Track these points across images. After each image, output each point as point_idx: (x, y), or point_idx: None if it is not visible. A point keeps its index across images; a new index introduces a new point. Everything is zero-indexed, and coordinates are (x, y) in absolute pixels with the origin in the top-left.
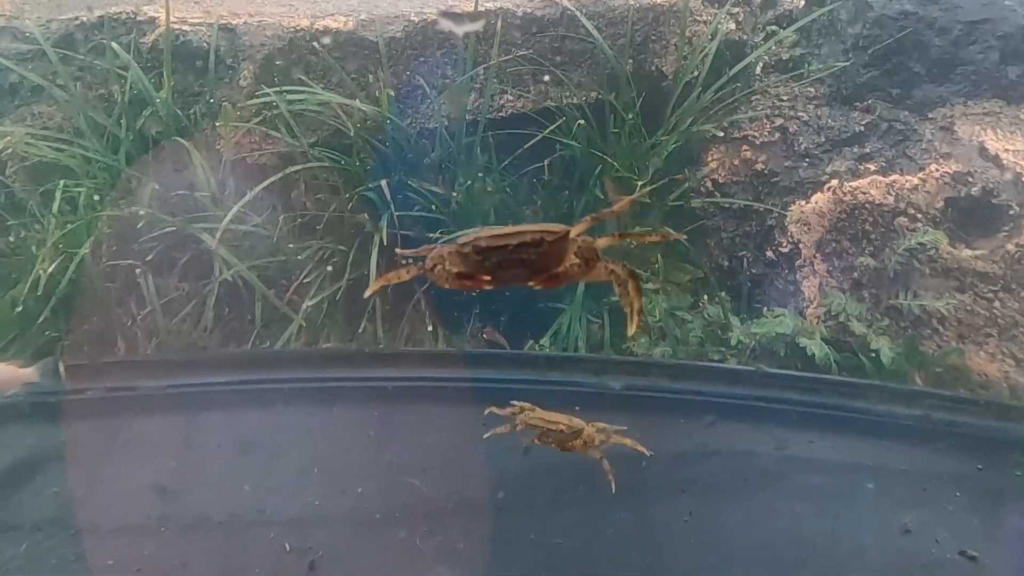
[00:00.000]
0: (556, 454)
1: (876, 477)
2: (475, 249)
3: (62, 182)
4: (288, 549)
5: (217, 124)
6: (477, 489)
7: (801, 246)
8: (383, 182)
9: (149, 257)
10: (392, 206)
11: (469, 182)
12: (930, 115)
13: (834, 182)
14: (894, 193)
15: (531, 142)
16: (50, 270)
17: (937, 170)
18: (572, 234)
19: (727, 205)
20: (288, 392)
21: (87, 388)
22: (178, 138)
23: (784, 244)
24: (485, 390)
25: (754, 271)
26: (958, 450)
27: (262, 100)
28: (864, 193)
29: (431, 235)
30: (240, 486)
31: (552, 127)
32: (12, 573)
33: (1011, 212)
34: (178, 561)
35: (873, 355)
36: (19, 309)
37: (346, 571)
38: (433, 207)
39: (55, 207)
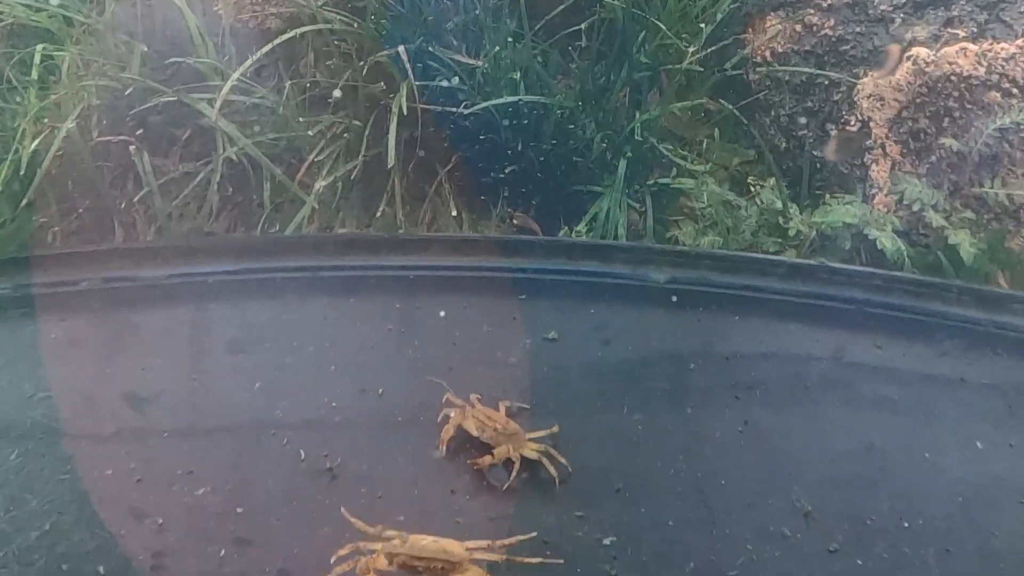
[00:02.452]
0: (593, 354)
1: (952, 390)
2: None
3: (41, 46)
4: (303, 456)
5: None
6: (507, 390)
7: (872, 124)
8: (401, 48)
9: (140, 131)
10: (411, 76)
11: (496, 49)
12: None
13: (915, 51)
14: (985, 64)
15: (565, 4)
16: (33, 147)
17: None
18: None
19: (787, 77)
20: (301, 282)
21: (82, 279)
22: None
23: (852, 122)
24: (516, 280)
25: (816, 153)
26: None
27: None
28: (950, 64)
29: (453, 109)
30: (250, 386)
31: None
32: (4, 481)
33: None
34: (183, 469)
35: (951, 251)
36: (13, 189)
37: (367, 479)
38: (456, 78)
39: (33, 73)
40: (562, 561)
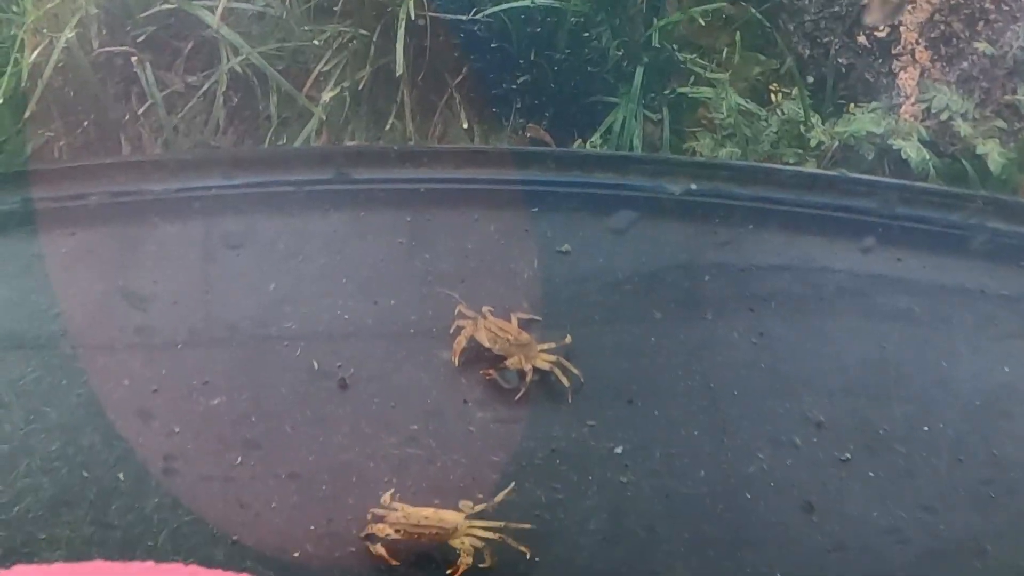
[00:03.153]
0: (606, 267)
1: (973, 302)
2: None
3: None
4: (317, 367)
5: None
6: (520, 302)
7: (902, 29)
8: None
9: (141, 41)
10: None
11: None
12: None
13: None
14: None
15: None
16: (32, 58)
17: None
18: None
19: None
20: (311, 194)
21: (90, 193)
22: None
23: (880, 28)
24: (528, 193)
25: (841, 60)
26: None
27: None
28: None
29: (462, 16)
30: (262, 298)
31: None
32: (24, 393)
33: None
34: (198, 380)
35: (979, 161)
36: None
37: (380, 390)
38: None
39: None
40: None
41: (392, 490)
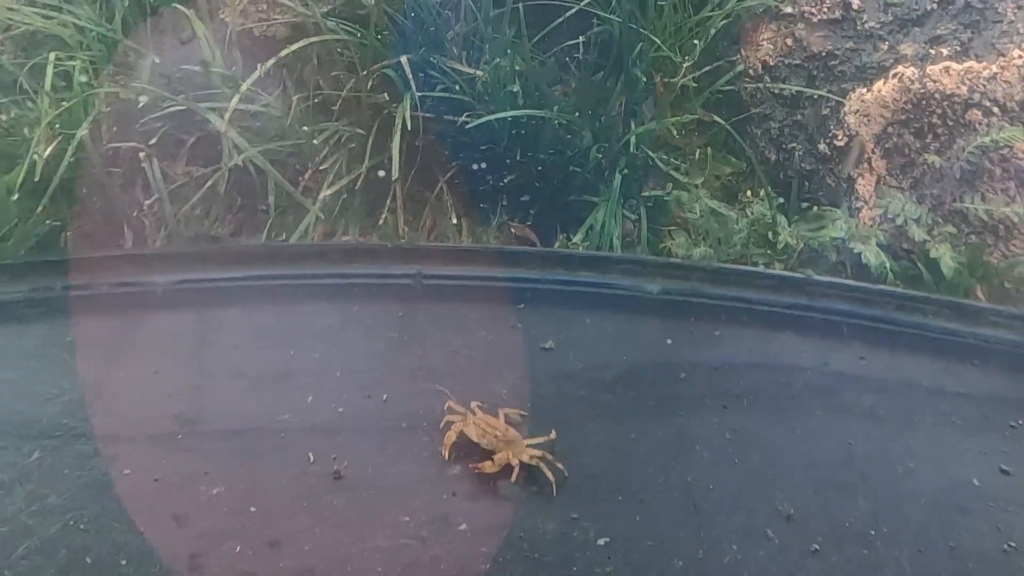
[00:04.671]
0: (588, 364)
1: (932, 399)
2: None
3: (53, 55)
4: (312, 459)
5: None
6: (507, 397)
7: (859, 139)
8: (404, 59)
9: (153, 140)
10: (413, 86)
11: (496, 60)
12: None
13: (901, 68)
14: (968, 83)
15: (565, 15)
16: (47, 153)
17: (1019, 57)
18: None
19: (777, 91)
20: (307, 288)
21: (93, 283)
22: (178, 5)
23: (840, 137)
24: (514, 290)
25: (805, 166)
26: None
27: None
28: (934, 82)
29: (455, 119)
30: (259, 390)
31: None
32: (26, 476)
33: None
34: (198, 469)
35: (932, 265)
36: (15, 198)
37: (373, 481)
38: (457, 87)
39: (47, 83)
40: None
41: None
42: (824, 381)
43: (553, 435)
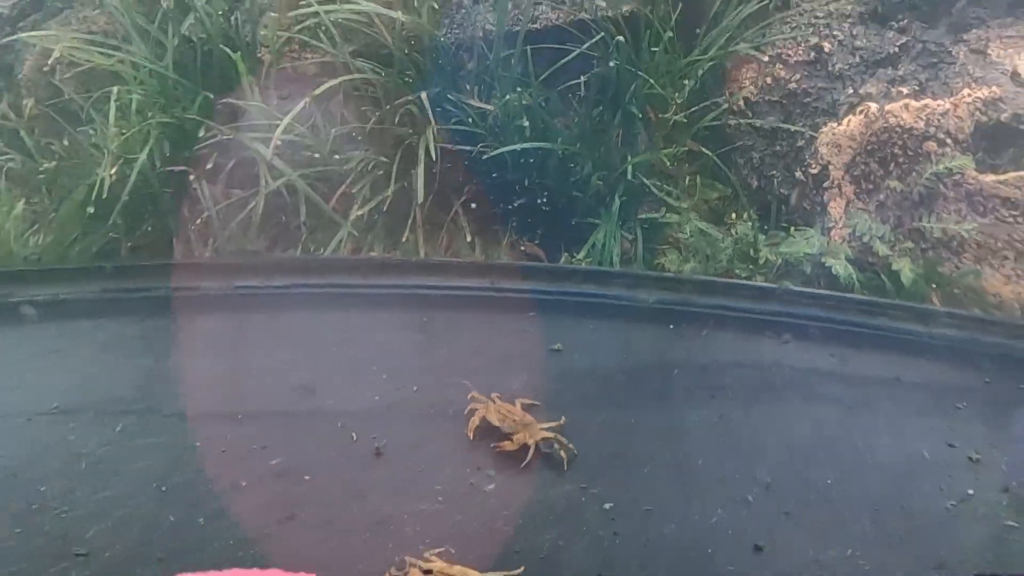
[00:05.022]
0: (592, 362)
1: (892, 388)
2: None
3: (116, 88)
4: (355, 438)
5: (261, 31)
6: (521, 390)
7: (830, 168)
8: (423, 95)
9: (209, 165)
10: (432, 120)
11: (506, 96)
12: (964, 37)
13: (866, 105)
14: (924, 118)
15: (567, 57)
16: (112, 173)
17: (969, 95)
18: None
19: (759, 125)
20: (341, 297)
21: (153, 287)
22: (223, 46)
23: (813, 165)
24: (525, 300)
25: (783, 191)
26: (968, 365)
27: (303, 11)
28: (895, 117)
29: (470, 149)
30: (306, 380)
31: (590, 42)
32: (113, 451)
33: None
34: (258, 445)
35: (894, 276)
36: (91, 211)
37: (408, 457)
38: (470, 120)
39: (111, 113)
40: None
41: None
42: (798, 374)
43: (563, 420)
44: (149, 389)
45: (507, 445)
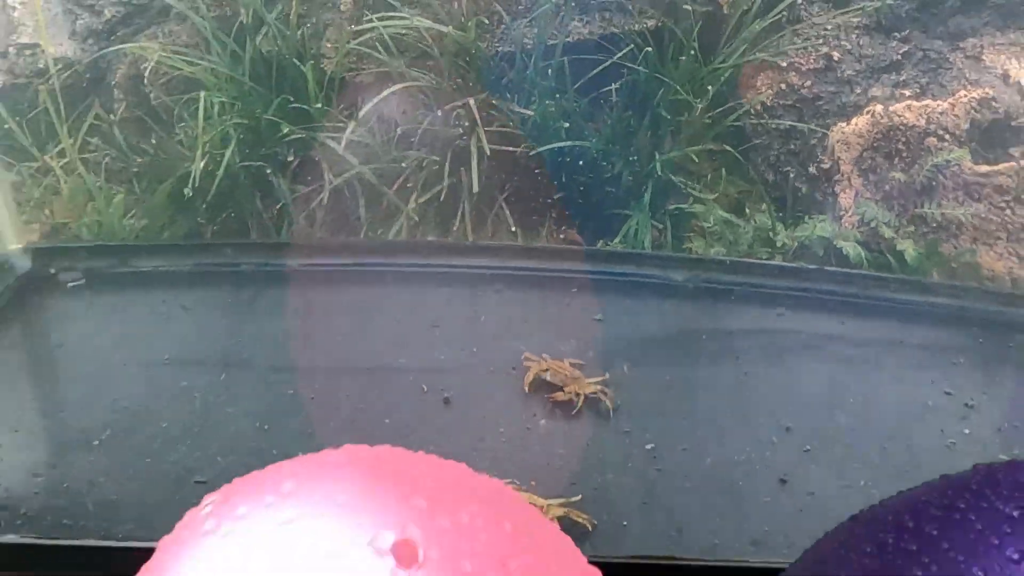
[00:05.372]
0: (630, 330)
1: (896, 348)
2: None
3: (203, 93)
4: (425, 390)
5: (325, 44)
6: (568, 352)
7: (840, 163)
8: (471, 100)
9: (282, 161)
10: (479, 122)
11: (546, 102)
12: (961, 45)
13: (873, 106)
14: (925, 116)
15: (600, 67)
16: (201, 166)
17: (965, 96)
18: None
19: (775, 126)
20: (403, 274)
21: (239, 262)
22: (291, 58)
23: (825, 161)
24: (568, 279)
25: (798, 185)
26: (965, 328)
27: (365, 27)
28: (899, 116)
29: (513, 149)
30: (377, 343)
31: (620, 54)
32: (216, 399)
33: None
34: (343, 394)
35: (898, 255)
36: (187, 194)
37: (473, 406)
38: (511, 124)
39: (200, 113)
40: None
41: None
42: (812, 339)
43: (607, 376)
44: (245, 346)
45: (559, 396)
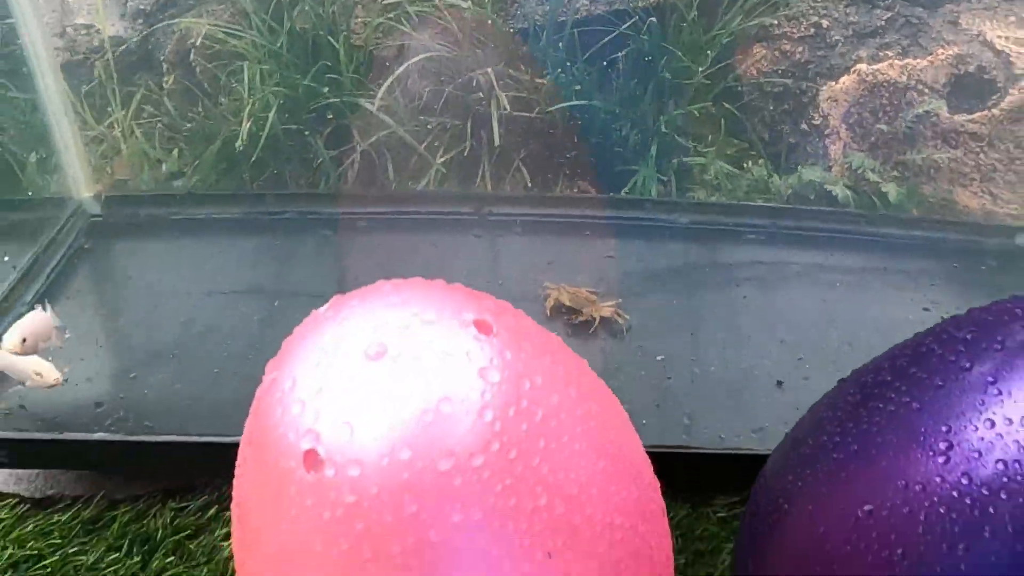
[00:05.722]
0: (640, 264)
1: (879, 274)
2: None
3: (246, 63)
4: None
5: (356, 19)
6: (582, 283)
7: (830, 118)
8: (489, 70)
9: (318, 125)
10: (497, 89)
11: (558, 71)
12: (939, 10)
13: (858, 66)
14: (907, 73)
15: (607, 38)
16: (247, 128)
17: (943, 53)
18: None
19: (769, 89)
20: (431, 221)
21: (286, 211)
22: (324, 33)
23: (816, 118)
24: (582, 224)
25: (791, 140)
26: (942, 256)
27: (389, 2)
28: (883, 74)
29: (528, 115)
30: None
31: (625, 25)
32: (271, 321)
33: (998, 85)
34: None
35: (883, 196)
36: (240, 147)
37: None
38: (525, 91)
39: (245, 82)
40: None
41: None
42: (804, 268)
43: (620, 301)
44: (293, 281)
45: (577, 317)
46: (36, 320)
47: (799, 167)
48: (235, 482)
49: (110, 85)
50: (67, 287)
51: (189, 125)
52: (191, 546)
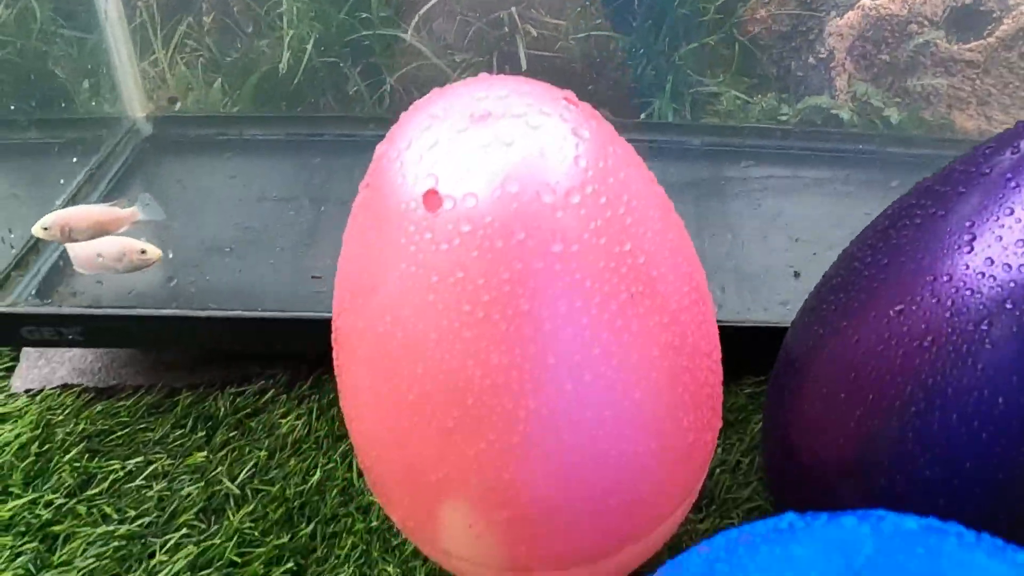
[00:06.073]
0: (661, 176)
1: (878, 190)
2: None
3: (285, 1)
4: None
5: None
6: None
7: (835, 52)
8: (513, 10)
9: (357, 56)
10: (520, 27)
11: (578, 9)
12: None
13: (862, 1)
14: (908, 7)
15: None
16: (286, 58)
17: None
18: None
19: (776, 29)
20: None
21: (324, 132)
22: None
23: (822, 52)
24: None
25: (799, 74)
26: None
27: None
28: (885, 8)
29: (548, 54)
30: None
31: None
32: (318, 223)
33: (994, 15)
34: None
35: (885, 120)
36: (283, 71)
37: None
38: (546, 32)
39: (284, 18)
40: None
41: None
42: (813, 181)
43: None
44: (337, 190)
45: None
46: (76, 210)
47: (807, 97)
48: (344, 238)
49: (153, 25)
50: (127, 191)
51: (229, 59)
52: (251, 423)
